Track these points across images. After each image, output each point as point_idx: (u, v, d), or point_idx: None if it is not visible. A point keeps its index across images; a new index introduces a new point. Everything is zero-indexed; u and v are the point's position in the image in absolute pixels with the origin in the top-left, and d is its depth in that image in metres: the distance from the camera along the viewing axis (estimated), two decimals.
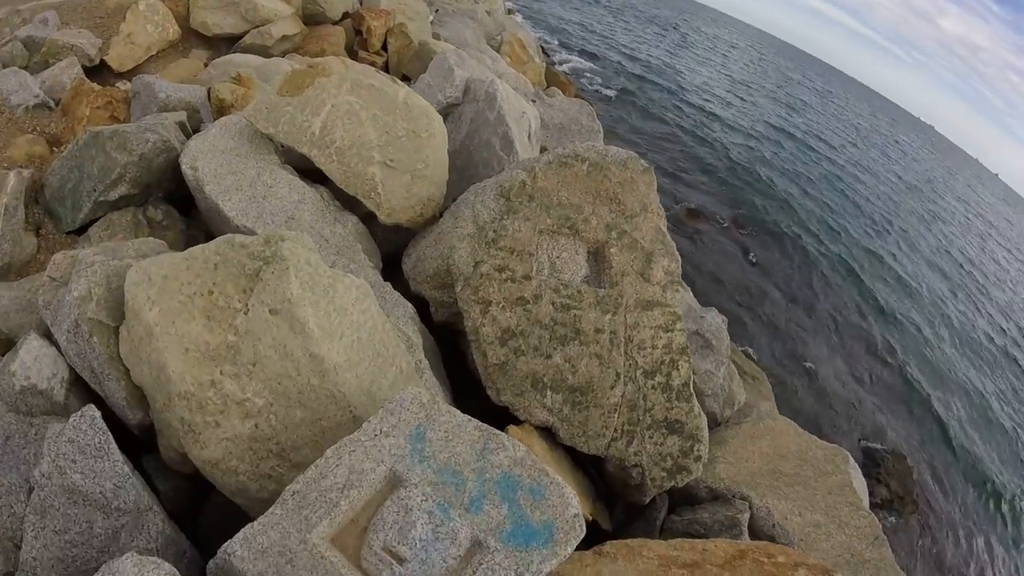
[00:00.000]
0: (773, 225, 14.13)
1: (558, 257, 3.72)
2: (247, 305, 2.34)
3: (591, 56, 22.90)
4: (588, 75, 19.85)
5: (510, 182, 3.83)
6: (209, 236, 4.42)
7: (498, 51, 10.47)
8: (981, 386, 12.31)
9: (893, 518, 7.86)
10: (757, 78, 44.03)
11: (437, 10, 10.87)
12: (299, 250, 2.46)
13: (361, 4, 10.10)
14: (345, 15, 9.06)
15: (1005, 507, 9.44)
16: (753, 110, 25.78)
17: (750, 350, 9.31)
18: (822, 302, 11.99)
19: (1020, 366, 14.61)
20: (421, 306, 3.97)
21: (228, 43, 7.69)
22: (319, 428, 2.37)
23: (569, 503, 2.11)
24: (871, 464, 8.57)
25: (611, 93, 19.06)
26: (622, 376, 3.52)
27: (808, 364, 9.97)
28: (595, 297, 3.63)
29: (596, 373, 3.46)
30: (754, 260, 12.17)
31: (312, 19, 8.55)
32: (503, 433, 2.20)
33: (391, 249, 4.55)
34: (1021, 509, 9.59)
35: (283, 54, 7.58)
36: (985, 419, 11.30)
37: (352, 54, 8.49)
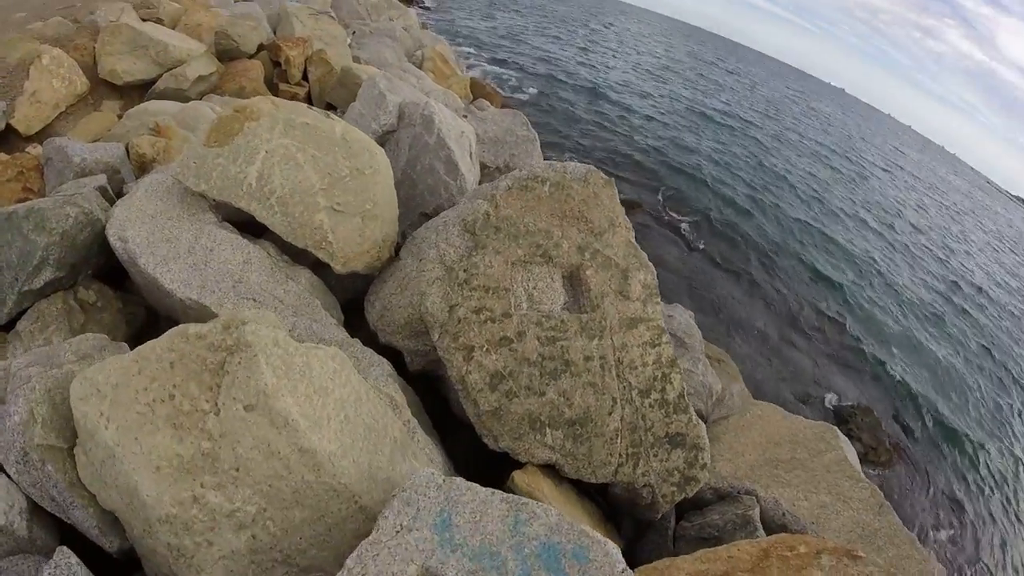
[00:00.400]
0: (705, 208, 14.33)
1: (535, 288, 3.53)
2: (217, 404, 2.04)
3: (503, 62, 22.77)
4: (503, 80, 19.74)
5: (473, 215, 3.61)
6: (149, 311, 4.03)
7: (420, 67, 10.22)
8: (924, 332, 12.87)
9: (874, 471, 8.06)
10: (671, 64, 44.89)
11: (354, 32, 10.52)
12: (264, 331, 2.16)
13: (275, 34, 9.68)
14: (260, 47, 8.63)
15: (972, 441, 9.94)
16: (670, 97, 26.18)
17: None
18: (763, 275, 12.24)
19: (959, 309, 15.36)
20: (393, 355, 3.70)
21: (141, 90, 7.19)
22: (324, 525, 2.08)
23: (615, 560, 1.93)
24: (840, 422, 8.76)
25: (527, 97, 18.98)
26: (618, 400, 3.36)
27: (762, 337, 10.15)
28: (579, 324, 3.46)
29: (592, 402, 3.29)
30: (692, 244, 12.33)
31: (226, 55, 8.11)
32: (531, 500, 1.99)
33: (349, 296, 4.26)
34: (981, 439, 10.06)
35: (201, 96, 7.13)
36: (934, 361, 11.80)
37: (272, 87, 8.09)
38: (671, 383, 3.58)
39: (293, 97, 8.03)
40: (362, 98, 5.82)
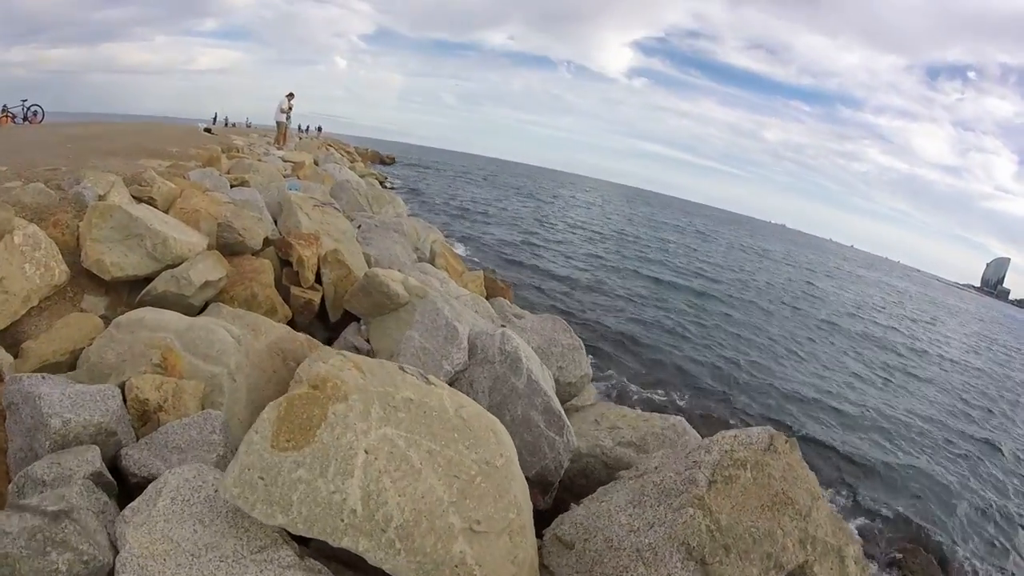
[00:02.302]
0: (685, 377, 13.45)
1: None
2: None
3: (472, 245, 22.67)
4: (475, 266, 19.29)
5: (695, 535, 2.65)
6: None
7: (432, 263, 9.41)
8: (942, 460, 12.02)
9: None
10: (625, 230, 46.05)
11: (359, 225, 9.71)
12: None
13: (276, 225, 8.78)
14: (266, 242, 7.59)
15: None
16: (635, 271, 26.07)
17: None
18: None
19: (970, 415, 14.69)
20: None
21: (132, 287, 5.87)
22: None
23: None
24: (880, 553, 8.02)
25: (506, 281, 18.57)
26: None
27: None
28: None
29: None
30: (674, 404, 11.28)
31: (229, 250, 6.97)
32: None
33: None
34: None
35: (206, 304, 5.87)
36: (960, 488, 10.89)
37: (283, 291, 6.93)
38: None
39: (307, 304, 6.88)
40: (423, 327, 4.73)
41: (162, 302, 5.64)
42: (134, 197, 7.51)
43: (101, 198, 6.71)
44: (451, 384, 4.30)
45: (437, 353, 4.41)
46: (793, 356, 17.27)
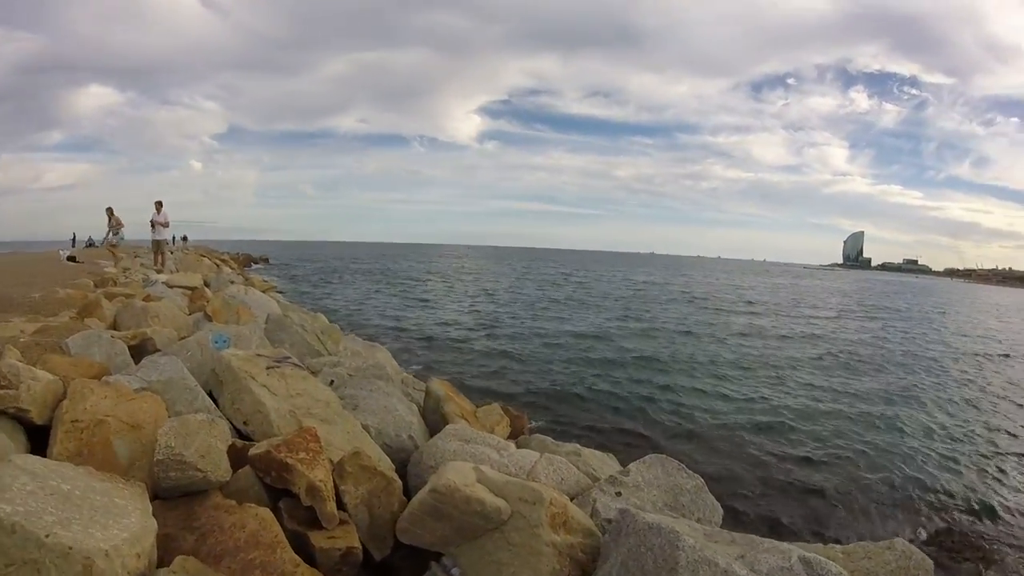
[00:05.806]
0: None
1: None
2: None
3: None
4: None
5: None
6: None
7: (438, 412, 6.80)
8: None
9: None
10: (514, 287, 44.37)
11: (332, 381, 6.90)
12: None
13: (217, 404, 5.83)
14: (234, 456, 4.59)
15: None
16: (533, 332, 24.41)
17: None
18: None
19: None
20: None
21: None
22: None
23: None
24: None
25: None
26: None
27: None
28: None
29: None
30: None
31: (178, 491, 4.04)
32: None
33: None
34: None
35: None
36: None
37: (296, 543, 4.08)
38: None
39: (348, 554, 4.08)
40: None
41: None
42: None
43: None
44: None
45: None
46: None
